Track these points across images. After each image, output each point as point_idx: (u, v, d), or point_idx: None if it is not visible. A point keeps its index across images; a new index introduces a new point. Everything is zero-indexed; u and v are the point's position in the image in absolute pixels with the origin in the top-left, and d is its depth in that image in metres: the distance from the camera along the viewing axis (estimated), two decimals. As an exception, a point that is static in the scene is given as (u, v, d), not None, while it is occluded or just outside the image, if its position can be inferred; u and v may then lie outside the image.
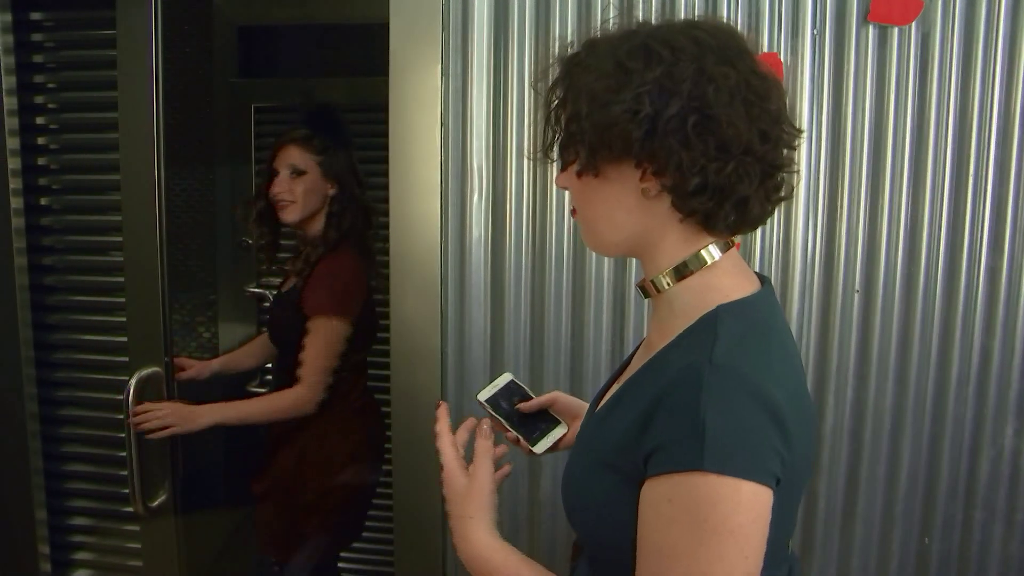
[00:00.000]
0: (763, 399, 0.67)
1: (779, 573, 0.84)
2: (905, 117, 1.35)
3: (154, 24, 1.51)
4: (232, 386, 2.24)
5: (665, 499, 0.67)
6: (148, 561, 1.73)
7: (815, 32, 1.35)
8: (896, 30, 1.33)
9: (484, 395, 1.07)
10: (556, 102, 0.79)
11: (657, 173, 0.74)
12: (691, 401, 0.67)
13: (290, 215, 1.83)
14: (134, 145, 1.54)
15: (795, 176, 0.81)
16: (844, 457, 1.43)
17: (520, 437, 1.04)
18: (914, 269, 1.38)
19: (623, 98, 0.71)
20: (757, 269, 1.39)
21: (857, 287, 1.39)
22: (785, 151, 0.76)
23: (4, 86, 1.57)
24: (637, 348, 0.92)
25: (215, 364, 1.97)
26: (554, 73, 0.80)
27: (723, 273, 0.78)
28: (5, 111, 1.58)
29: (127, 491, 1.59)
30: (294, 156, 1.82)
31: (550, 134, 0.81)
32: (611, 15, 1.37)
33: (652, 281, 0.80)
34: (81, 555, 1.81)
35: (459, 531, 0.84)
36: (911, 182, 1.36)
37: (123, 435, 1.56)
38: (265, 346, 2.09)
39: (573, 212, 0.87)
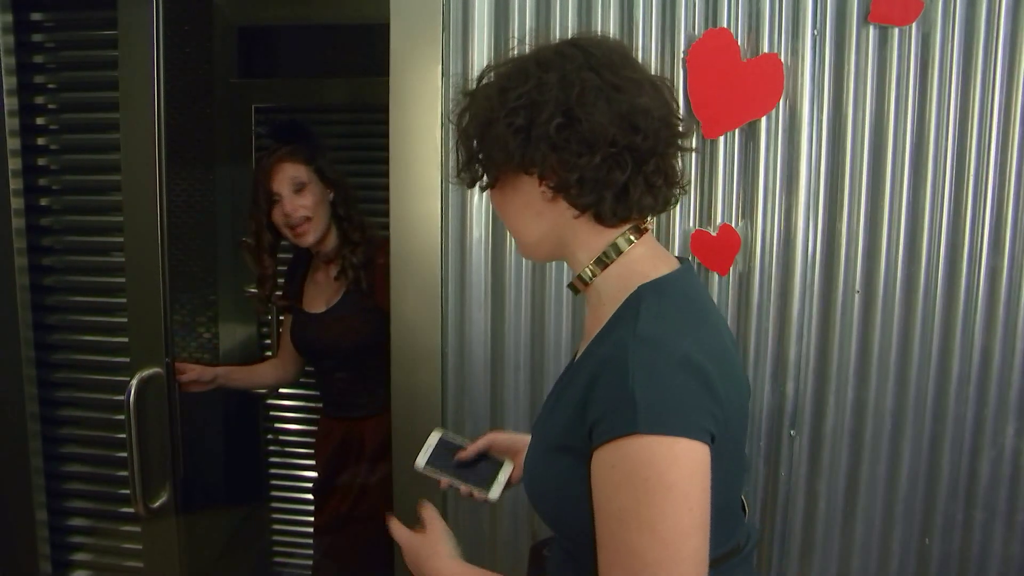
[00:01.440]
0: (686, 362, 0.74)
1: (732, 540, 0.88)
2: (905, 117, 1.35)
3: (155, 24, 1.51)
4: (232, 389, 2.24)
5: (609, 465, 0.73)
6: (148, 562, 1.73)
7: (815, 32, 1.35)
8: (896, 30, 1.33)
9: (420, 461, 1.07)
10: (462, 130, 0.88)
11: (543, 176, 0.82)
12: (621, 372, 0.73)
13: (311, 235, 1.71)
14: (135, 146, 1.54)
15: (687, 160, 0.89)
16: (844, 457, 1.43)
17: (472, 489, 1.07)
18: (914, 269, 1.38)
19: (501, 115, 0.80)
20: (757, 269, 1.39)
21: (857, 288, 1.39)
22: (666, 140, 0.82)
23: (4, 87, 1.57)
24: None
25: (219, 370, 1.87)
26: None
27: (641, 257, 0.85)
28: (6, 112, 1.58)
29: (127, 492, 1.59)
30: (291, 171, 1.69)
31: (460, 158, 0.90)
32: (610, 16, 1.37)
33: (579, 276, 0.88)
34: (81, 556, 1.81)
35: (428, 571, 0.94)
36: (911, 182, 1.36)
37: (124, 436, 1.56)
38: (279, 370, 2.01)
39: None
